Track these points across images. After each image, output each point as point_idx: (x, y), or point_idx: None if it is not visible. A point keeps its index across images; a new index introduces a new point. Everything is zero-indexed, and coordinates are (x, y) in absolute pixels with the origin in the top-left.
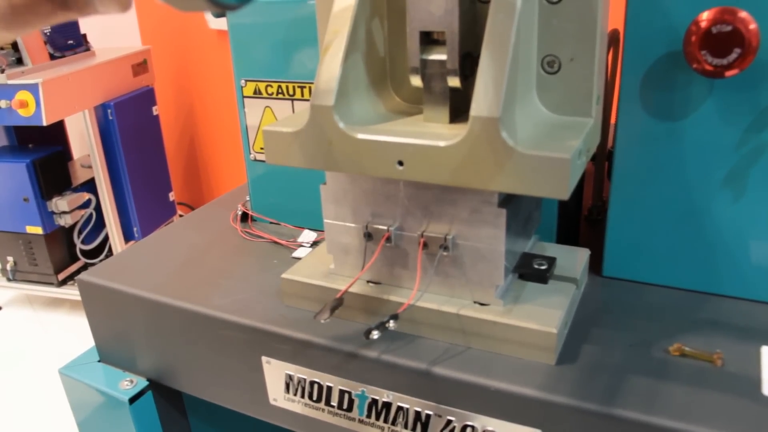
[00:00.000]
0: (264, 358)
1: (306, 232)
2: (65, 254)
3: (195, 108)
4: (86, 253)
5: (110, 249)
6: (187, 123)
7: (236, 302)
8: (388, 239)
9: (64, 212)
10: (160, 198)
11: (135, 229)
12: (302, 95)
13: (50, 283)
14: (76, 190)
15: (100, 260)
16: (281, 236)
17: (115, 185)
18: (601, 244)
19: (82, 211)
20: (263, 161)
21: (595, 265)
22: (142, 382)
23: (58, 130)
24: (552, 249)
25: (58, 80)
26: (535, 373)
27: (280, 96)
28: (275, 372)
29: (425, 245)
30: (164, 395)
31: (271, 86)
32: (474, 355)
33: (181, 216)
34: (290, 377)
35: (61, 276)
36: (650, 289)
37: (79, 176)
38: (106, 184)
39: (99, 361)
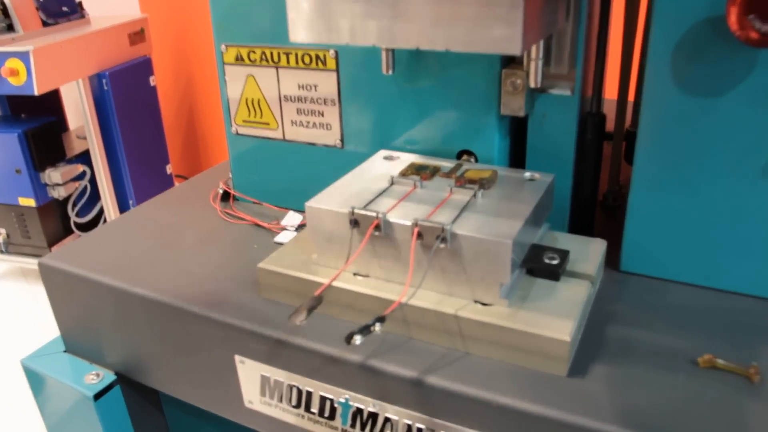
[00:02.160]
0: (238, 357)
1: (291, 214)
2: (59, 227)
3: (194, 78)
4: (81, 226)
5: (105, 222)
6: (186, 94)
7: (209, 293)
8: (377, 227)
9: (58, 184)
10: (156, 170)
11: (131, 202)
12: (288, 62)
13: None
14: (71, 161)
15: None
16: (264, 218)
17: (110, 157)
18: (619, 235)
19: (77, 183)
20: (246, 135)
21: (612, 259)
22: (110, 376)
23: (53, 100)
24: (564, 240)
25: (51, 48)
26: (543, 386)
27: (264, 63)
28: (250, 373)
29: (420, 235)
30: (137, 389)
31: (254, 52)
32: (473, 362)
33: None
34: (266, 379)
35: (55, 249)
36: (675, 287)
37: (75, 147)
38: (101, 156)
39: (65, 352)
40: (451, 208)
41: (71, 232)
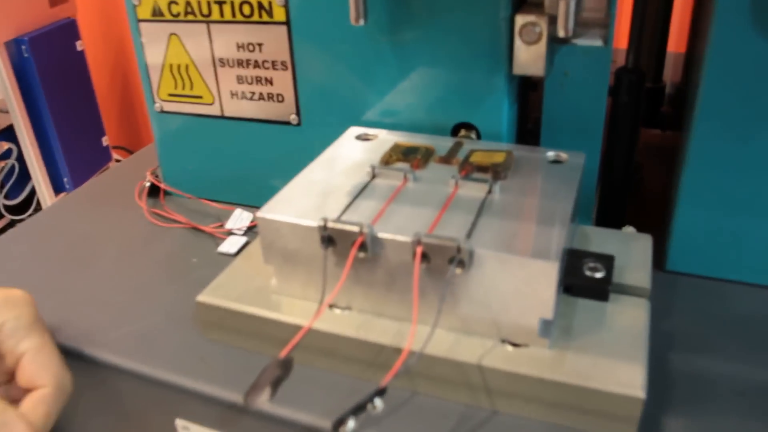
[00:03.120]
0: (180, 423)
1: (237, 212)
2: None
3: (126, 41)
4: (11, 209)
5: (38, 203)
6: (119, 58)
7: (135, 335)
8: (363, 246)
9: None
10: (92, 143)
11: (65, 179)
12: (221, 15)
13: None
14: None
15: (29, 215)
16: (203, 218)
17: (38, 132)
18: (656, 223)
19: (3, 162)
20: (174, 113)
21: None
22: None
23: None
24: (598, 237)
25: None
26: None
27: (191, 17)
28: None
29: (425, 257)
30: None
31: (177, 3)
32: (504, 424)
33: (118, 161)
34: None
35: None
36: (736, 290)
37: None
38: (27, 131)
39: None
40: (461, 210)
41: (1, 216)
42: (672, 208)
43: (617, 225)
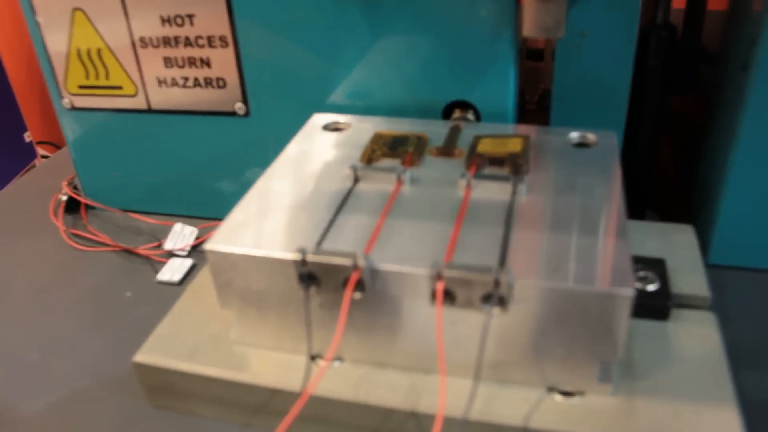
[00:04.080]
0: None
1: (178, 227)
2: None
3: None
4: None
5: None
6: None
7: (55, 409)
8: (359, 285)
9: None
10: (12, 140)
11: None
12: None
13: None
14: None
15: None
16: (137, 237)
17: None
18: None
19: None
20: (88, 110)
21: None
22: None
23: None
24: (631, 231)
25: None
26: None
27: None
28: None
29: (448, 295)
30: None
31: None
32: None
33: (44, 158)
34: None
35: None
36: None
37: None
38: None
39: None
40: (482, 222)
41: None
42: (712, 194)
43: (639, 213)
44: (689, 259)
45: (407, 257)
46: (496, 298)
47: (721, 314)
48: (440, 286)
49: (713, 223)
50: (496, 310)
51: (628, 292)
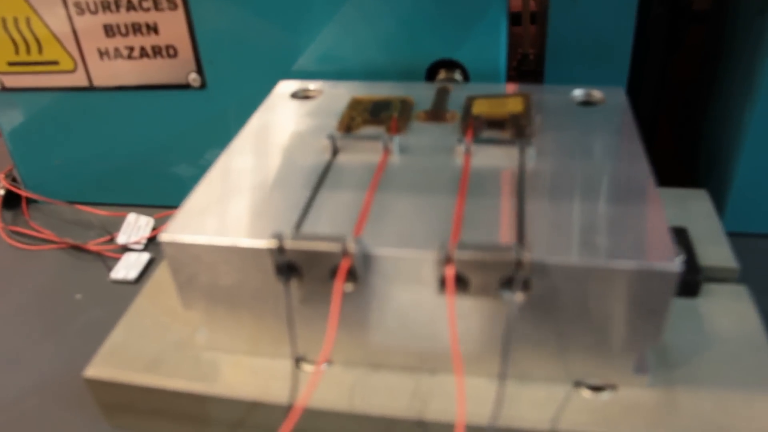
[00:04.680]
0: None
1: (131, 217)
2: None
3: None
4: None
5: None
6: None
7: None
8: (351, 274)
9: None
10: None
11: None
12: None
13: None
14: None
15: None
16: (86, 232)
17: None
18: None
19: None
20: (21, 90)
21: None
22: None
23: None
24: None
25: None
26: None
27: None
28: None
29: (460, 281)
30: None
31: None
32: None
33: None
34: None
35: None
36: None
37: None
38: None
39: None
40: (488, 194)
41: None
42: (725, 155)
43: None
44: (710, 227)
45: (406, 239)
46: (519, 282)
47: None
48: (450, 272)
49: (727, 187)
50: (517, 296)
51: (674, 267)
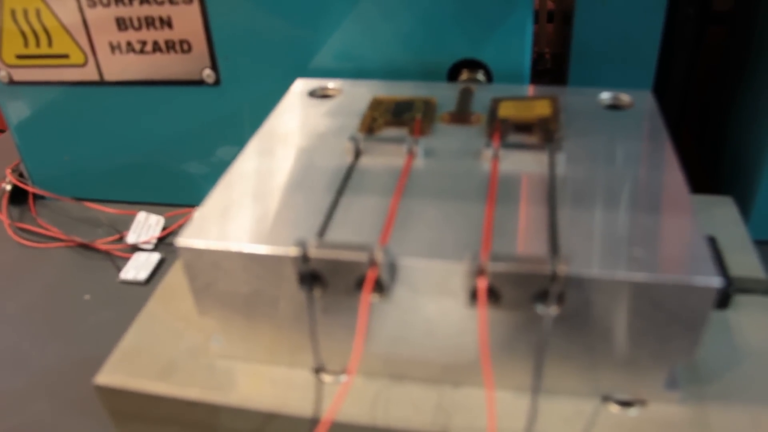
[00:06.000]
0: None
1: (141, 216)
2: None
3: None
4: None
5: None
6: None
7: None
8: (378, 285)
9: None
10: None
11: None
12: None
13: None
14: None
15: None
16: (94, 230)
17: None
18: (718, 173)
19: None
20: (30, 84)
21: None
22: None
23: None
24: None
25: None
26: None
27: None
28: None
29: (492, 294)
30: None
31: None
32: None
33: None
34: None
35: None
36: None
37: None
38: None
39: None
40: (520, 202)
41: None
42: (751, 160)
43: None
44: (736, 236)
45: (435, 248)
46: (554, 295)
47: None
48: (483, 284)
49: (752, 194)
50: (552, 310)
51: (714, 282)
